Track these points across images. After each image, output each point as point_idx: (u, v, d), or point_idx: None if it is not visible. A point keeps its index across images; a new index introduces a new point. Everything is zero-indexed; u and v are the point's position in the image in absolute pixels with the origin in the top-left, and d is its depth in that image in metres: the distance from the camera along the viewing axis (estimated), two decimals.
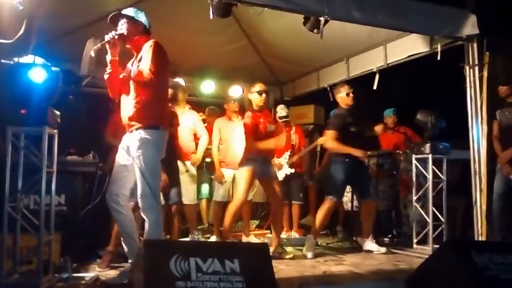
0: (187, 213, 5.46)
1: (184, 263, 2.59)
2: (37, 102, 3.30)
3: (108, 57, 3.55)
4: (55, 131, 3.54)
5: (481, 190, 5.02)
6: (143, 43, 3.57)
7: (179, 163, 5.27)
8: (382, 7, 4.76)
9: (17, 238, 3.37)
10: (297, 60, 7.18)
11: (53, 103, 3.49)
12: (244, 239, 5.84)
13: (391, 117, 6.62)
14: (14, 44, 3.66)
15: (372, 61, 6.32)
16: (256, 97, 4.98)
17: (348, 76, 6.72)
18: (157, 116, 3.52)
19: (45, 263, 3.43)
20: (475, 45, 5.15)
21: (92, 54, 3.45)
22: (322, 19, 4.49)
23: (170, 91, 4.50)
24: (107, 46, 3.50)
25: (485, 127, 5.09)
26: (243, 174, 4.88)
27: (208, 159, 5.97)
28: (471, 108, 5.17)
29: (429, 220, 5.23)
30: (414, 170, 5.45)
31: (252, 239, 5.90)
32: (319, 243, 5.53)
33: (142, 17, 3.64)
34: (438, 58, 5.26)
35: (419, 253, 5.02)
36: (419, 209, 5.39)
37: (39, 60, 3.48)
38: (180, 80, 6.36)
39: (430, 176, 5.26)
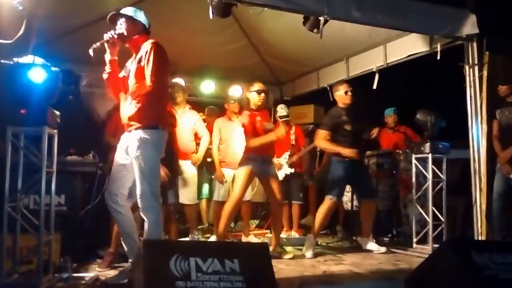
0: (188, 213, 5.47)
1: (184, 263, 2.59)
2: (36, 102, 3.30)
3: (107, 57, 3.55)
4: (55, 131, 3.54)
5: (481, 189, 5.02)
6: (142, 43, 3.57)
7: (180, 162, 5.29)
8: (381, 7, 4.77)
9: (17, 238, 3.37)
10: (297, 60, 7.18)
11: (52, 103, 3.49)
12: (244, 239, 5.84)
13: (392, 117, 6.62)
14: (13, 44, 3.67)
15: (371, 60, 6.32)
16: (254, 96, 4.98)
17: (348, 76, 6.72)
18: (157, 116, 3.52)
19: (45, 263, 3.42)
20: (474, 44, 5.15)
21: (91, 53, 3.45)
22: (321, 18, 4.49)
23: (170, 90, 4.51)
24: (106, 45, 3.50)
25: (485, 126, 5.09)
26: (241, 174, 4.88)
27: (209, 159, 5.97)
28: (471, 108, 5.17)
29: (429, 219, 5.23)
30: (414, 169, 5.45)
31: (252, 239, 5.90)
32: (319, 242, 5.53)
33: (141, 17, 3.63)
34: (438, 57, 5.27)
35: (419, 253, 5.02)
36: (419, 208, 5.39)
37: (39, 60, 3.47)
38: (179, 80, 6.37)
39: (430, 176, 5.27)
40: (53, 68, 3.42)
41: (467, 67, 5.19)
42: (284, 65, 7.55)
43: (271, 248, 4.58)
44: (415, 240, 5.37)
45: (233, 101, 5.96)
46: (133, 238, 3.60)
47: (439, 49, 5.28)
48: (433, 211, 5.23)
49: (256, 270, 2.74)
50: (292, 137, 6.31)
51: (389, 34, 5.77)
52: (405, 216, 5.95)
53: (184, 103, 5.57)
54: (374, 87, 6.10)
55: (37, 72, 3.31)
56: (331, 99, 5.60)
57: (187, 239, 5.35)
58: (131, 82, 3.56)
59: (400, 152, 6.14)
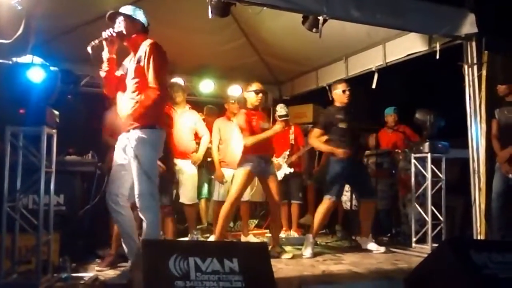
0: (187, 213, 5.46)
1: (183, 263, 2.58)
2: (35, 102, 3.30)
3: (105, 55, 3.54)
4: (53, 131, 3.54)
5: (480, 189, 5.02)
6: (141, 42, 3.57)
7: (180, 162, 5.29)
8: (380, 6, 4.76)
9: (16, 238, 3.37)
10: (296, 59, 7.18)
11: (51, 103, 3.49)
12: (243, 238, 5.84)
13: (392, 116, 6.62)
14: (12, 44, 3.66)
15: (371, 60, 6.32)
16: (252, 96, 4.98)
17: (347, 75, 6.72)
18: (155, 115, 3.51)
19: (44, 263, 3.42)
20: (474, 44, 5.14)
21: (90, 50, 3.44)
22: (320, 18, 4.49)
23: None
24: (104, 43, 3.50)
25: (484, 126, 5.09)
26: (240, 175, 4.88)
27: (209, 159, 5.96)
28: (470, 107, 5.17)
29: (428, 219, 5.23)
30: (413, 169, 5.45)
31: (251, 238, 5.91)
32: (318, 242, 5.53)
33: (140, 16, 3.63)
34: (437, 57, 5.27)
35: (418, 252, 5.03)
36: (418, 208, 5.39)
37: (38, 59, 3.47)
38: (178, 80, 6.37)
39: (429, 175, 5.27)
40: (52, 68, 3.42)
41: (466, 67, 5.18)
42: (283, 65, 7.55)
43: (270, 248, 4.58)
44: (414, 239, 5.38)
45: (233, 101, 5.96)
46: (133, 238, 3.60)
47: (438, 48, 5.28)
48: (432, 211, 5.24)
49: (255, 270, 2.74)
50: (291, 136, 6.31)
51: (388, 33, 5.77)
52: (404, 215, 5.96)
53: (184, 102, 5.57)
54: (373, 86, 6.09)
55: (36, 72, 3.30)
56: (330, 98, 5.61)
57: (186, 239, 5.35)
58: (130, 81, 3.55)
59: (399, 151, 6.15)
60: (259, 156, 4.86)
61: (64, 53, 5.58)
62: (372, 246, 5.21)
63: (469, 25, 5.04)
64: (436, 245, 4.75)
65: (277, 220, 5.16)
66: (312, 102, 7.66)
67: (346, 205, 6.21)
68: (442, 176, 5.32)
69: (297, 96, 8.12)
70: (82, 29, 5.49)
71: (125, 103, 3.55)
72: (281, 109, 6.40)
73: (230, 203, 4.85)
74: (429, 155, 5.25)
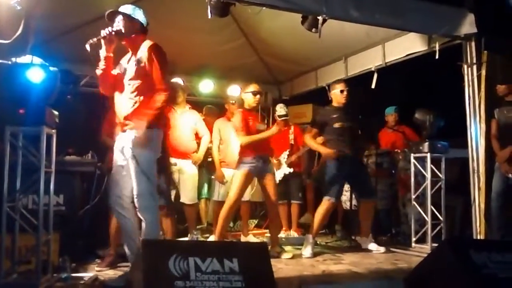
0: (187, 213, 5.46)
1: (183, 263, 2.59)
2: (35, 102, 3.30)
3: (102, 53, 3.53)
4: (53, 131, 3.54)
5: (479, 188, 5.02)
6: (140, 42, 3.56)
7: (180, 161, 5.29)
8: (380, 6, 4.76)
9: (15, 238, 3.37)
10: (295, 59, 7.18)
11: (51, 103, 3.49)
12: (243, 238, 5.84)
13: (393, 115, 6.61)
14: (12, 44, 3.65)
15: (370, 60, 6.32)
16: (249, 97, 4.99)
17: (346, 75, 6.73)
18: (153, 116, 3.51)
19: (44, 263, 3.42)
20: (473, 44, 5.14)
21: (88, 48, 3.44)
22: (320, 18, 4.49)
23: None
24: (102, 41, 3.49)
25: (483, 125, 5.09)
26: (238, 176, 4.89)
27: (210, 159, 5.97)
28: (469, 107, 5.17)
29: (428, 219, 5.23)
30: (412, 169, 5.45)
31: (251, 238, 5.91)
32: (318, 242, 5.54)
33: (139, 15, 3.62)
34: (437, 57, 5.27)
35: (418, 252, 5.03)
36: (418, 207, 5.39)
37: (37, 60, 3.47)
38: (178, 80, 6.37)
39: (428, 175, 5.26)
40: (51, 68, 3.43)
41: (465, 67, 5.19)
42: (282, 65, 7.55)
43: (270, 248, 4.57)
44: (414, 239, 5.38)
45: (233, 102, 5.96)
46: (136, 242, 3.56)
47: (437, 48, 5.28)
48: (432, 210, 5.23)
49: (255, 270, 2.74)
50: (291, 136, 6.31)
51: (387, 33, 5.77)
52: (404, 215, 5.96)
53: (184, 102, 5.56)
54: (373, 86, 6.10)
55: (36, 72, 3.30)
56: (330, 98, 5.61)
57: (186, 239, 5.34)
58: (129, 82, 3.53)
59: (399, 151, 6.15)
60: (256, 157, 4.85)
61: (64, 53, 5.58)
62: (372, 246, 5.21)
63: (468, 25, 5.05)
64: (435, 245, 4.75)
65: (276, 220, 5.15)
66: (311, 102, 7.66)
67: (346, 205, 6.21)
68: (441, 176, 5.32)
69: (297, 96, 8.12)
70: (81, 29, 5.49)
71: (123, 104, 3.54)
72: (280, 109, 6.40)
73: (229, 206, 4.84)
74: (428, 155, 5.25)
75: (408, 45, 5.75)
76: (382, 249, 5.15)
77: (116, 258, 4.16)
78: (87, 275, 3.75)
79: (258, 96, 4.99)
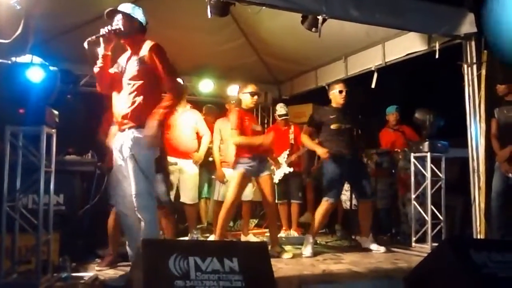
0: (188, 212, 5.46)
1: (183, 262, 2.58)
2: (35, 102, 3.30)
3: (101, 51, 3.52)
4: (53, 130, 3.53)
5: (479, 188, 5.03)
6: (139, 41, 3.56)
7: (181, 161, 5.29)
8: (379, 6, 4.76)
9: (15, 237, 3.37)
10: (295, 59, 7.19)
11: (51, 103, 3.48)
12: (243, 238, 5.85)
13: (394, 114, 6.60)
14: (11, 44, 3.65)
15: (370, 59, 6.32)
16: (247, 98, 4.98)
17: (346, 75, 6.73)
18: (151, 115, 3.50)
19: (44, 263, 3.42)
20: (473, 43, 5.15)
21: (86, 46, 3.43)
22: (320, 17, 4.49)
23: None
24: (101, 40, 3.49)
25: (483, 125, 5.09)
26: (234, 177, 4.89)
27: (210, 158, 5.97)
28: (469, 107, 5.17)
29: (428, 218, 5.23)
30: (412, 168, 5.46)
31: (251, 238, 5.91)
32: (318, 241, 5.54)
33: (138, 14, 3.60)
34: (436, 56, 5.27)
35: (418, 252, 5.03)
36: (418, 207, 5.39)
37: (37, 59, 3.47)
38: (178, 80, 6.35)
39: (428, 175, 5.27)
40: (51, 68, 3.42)
41: (465, 66, 5.19)
42: (282, 64, 7.55)
43: (270, 247, 4.58)
44: (414, 239, 5.38)
45: (234, 102, 5.96)
46: (139, 243, 3.56)
47: (437, 48, 5.28)
48: (432, 210, 5.24)
49: (255, 269, 2.73)
50: (291, 136, 6.32)
51: (387, 33, 5.77)
52: (404, 215, 5.96)
53: (185, 102, 5.57)
54: (373, 86, 6.10)
55: (35, 72, 3.30)
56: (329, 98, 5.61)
57: (186, 238, 5.34)
58: (129, 81, 3.51)
59: (399, 151, 6.15)
60: (253, 157, 4.85)
61: (63, 53, 5.58)
62: (372, 246, 5.21)
63: (468, 25, 5.05)
64: (435, 244, 4.75)
65: (274, 221, 5.14)
66: (311, 102, 7.67)
67: (346, 204, 6.21)
68: (441, 175, 5.32)
69: (297, 96, 8.13)
70: (81, 29, 5.49)
71: (122, 103, 3.52)
72: (280, 109, 6.44)
73: (227, 206, 4.84)
74: (428, 154, 5.25)
75: (408, 44, 5.75)
76: (382, 248, 5.15)
77: (116, 258, 4.16)
78: (87, 274, 3.75)
79: (255, 97, 4.99)
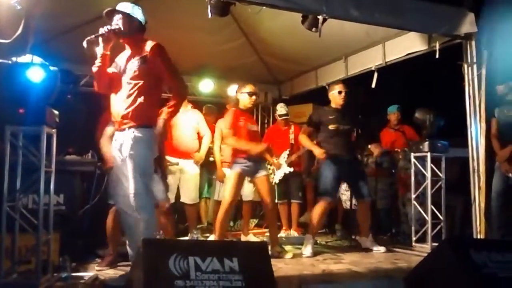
0: (188, 212, 5.46)
1: (183, 262, 2.58)
2: (35, 102, 3.30)
3: (99, 50, 3.51)
4: (53, 130, 3.53)
5: (479, 188, 5.02)
6: (140, 42, 3.56)
7: (182, 161, 5.29)
8: (380, 6, 4.76)
9: (15, 237, 3.37)
10: (295, 59, 7.18)
11: (51, 103, 3.48)
12: (243, 238, 5.85)
13: (395, 114, 6.60)
14: (12, 44, 3.65)
15: (370, 59, 6.32)
16: (245, 98, 4.96)
17: (346, 75, 6.73)
18: (151, 116, 3.50)
19: (44, 263, 3.42)
20: (473, 43, 5.14)
21: (85, 45, 3.43)
22: (320, 17, 4.49)
23: None
24: (100, 39, 3.49)
25: (483, 125, 5.08)
26: (230, 178, 4.89)
27: (211, 158, 5.97)
28: (470, 106, 5.16)
29: (428, 218, 5.23)
30: (412, 168, 5.45)
31: (251, 238, 5.91)
32: (318, 241, 5.54)
33: (138, 14, 3.60)
34: (437, 56, 5.26)
35: (418, 251, 5.03)
36: (418, 207, 5.39)
37: (37, 59, 3.47)
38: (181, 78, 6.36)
39: (428, 175, 5.26)
40: (51, 67, 3.42)
41: (465, 66, 5.18)
42: (282, 64, 7.55)
43: (270, 247, 4.58)
44: (414, 238, 5.38)
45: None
46: (139, 242, 3.56)
47: (437, 47, 5.27)
48: (432, 210, 5.23)
49: (255, 269, 2.73)
50: (291, 136, 6.32)
51: (387, 32, 5.77)
52: (404, 214, 5.96)
53: (186, 102, 5.56)
54: (373, 86, 6.09)
55: (36, 72, 3.30)
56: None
57: (186, 238, 5.35)
58: (129, 81, 3.51)
59: (399, 150, 6.15)
60: (248, 157, 4.83)
61: (64, 53, 5.58)
62: (372, 246, 5.20)
63: (468, 24, 5.04)
64: (436, 244, 4.75)
65: (273, 221, 5.13)
66: (311, 102, 7.66)
67: (346, 204, 6.21)
68: (441, 175, 5.32)
69: (297, 96, 8.13)
70: (81, 29, 5.48)
71: (121, 103, 3.52)
72: (281, 109, 6.45)
73: (225, 207, 4.82)
74: (428, 154, 5.25)
75: (408, 44, 5.74)
76: (382, 248, 5.15)
77: (116, 258, 4.16)
78: (87, 274, 3.75)
79: (254, 97, 4.97)
